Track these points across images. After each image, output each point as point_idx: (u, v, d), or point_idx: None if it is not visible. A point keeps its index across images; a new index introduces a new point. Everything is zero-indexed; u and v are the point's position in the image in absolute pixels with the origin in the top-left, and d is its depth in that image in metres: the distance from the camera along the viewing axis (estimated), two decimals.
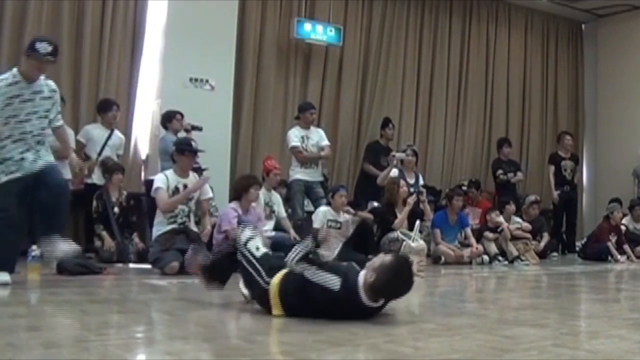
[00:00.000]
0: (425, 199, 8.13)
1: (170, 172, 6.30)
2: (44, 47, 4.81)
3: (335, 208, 7.47)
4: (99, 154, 7.34)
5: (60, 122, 5.15)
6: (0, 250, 4.75)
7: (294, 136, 8.04)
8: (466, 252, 8.06)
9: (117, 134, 7.60)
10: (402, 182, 7.78)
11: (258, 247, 3.86)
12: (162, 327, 3.30)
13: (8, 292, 4.51)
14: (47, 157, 4.96)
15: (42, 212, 4.87)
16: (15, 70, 4.92)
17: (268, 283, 3.63)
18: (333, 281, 3.41)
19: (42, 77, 4.97)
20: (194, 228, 6.25)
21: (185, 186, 6.18)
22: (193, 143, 6.43)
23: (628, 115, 11.49)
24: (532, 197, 9.66)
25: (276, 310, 3.58)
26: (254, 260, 3.77)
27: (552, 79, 12.11)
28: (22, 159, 4.83)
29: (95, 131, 7.44)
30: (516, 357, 2.79)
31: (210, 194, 6.52)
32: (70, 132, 7.29)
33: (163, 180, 6.14)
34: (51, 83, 5.06)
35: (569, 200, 10.43)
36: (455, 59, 10.95)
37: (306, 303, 3.50)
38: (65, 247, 4.84)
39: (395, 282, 3.43)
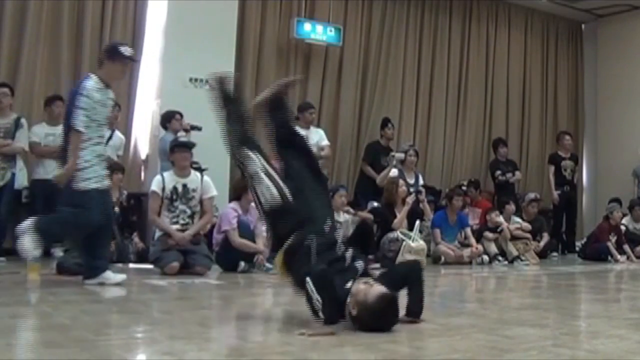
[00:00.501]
0: (425, 199, 8.13)
1: (168, 173, 6.30)
2: (127, 50, 5.07)
3: (335, 208, 7.45)
4: None
5: None
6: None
7: None
8: (466, 252, 8.06)
9: (118, 134, 7.60)
10: (401, 181, 7.78)
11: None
12: (162, 327, 3.29)
13: (9, 291, 4.51)
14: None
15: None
16: (95, 76, 4.99)
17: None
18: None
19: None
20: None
21: (184, 185, 6.17)
22: (181, 138, 6.43)
23: (628, 115, 11.49)
24: (531, 195, 9.67)
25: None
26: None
27: (552, 79, 12.11)
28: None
29: None
30: (516, 357, 2.79)
31: (214, 193, 6.50)
32: None
33: (158, 183, 6.16)
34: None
35: (568, 200, 10.44)
36: (455, 59, 10.95)
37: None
38: None
39: (378, 322, 3.21)
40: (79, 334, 3.01)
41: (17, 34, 7.45)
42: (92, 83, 4.93)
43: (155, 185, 6.14)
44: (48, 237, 5.09)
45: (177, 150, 6.27)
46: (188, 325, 3.44)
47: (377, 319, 3.19)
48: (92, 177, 4.92)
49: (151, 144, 8.27)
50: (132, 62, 5.18)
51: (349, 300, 3.25)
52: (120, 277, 4.98)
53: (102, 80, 4.98)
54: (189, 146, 6.42)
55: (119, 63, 5.03)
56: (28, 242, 4.78)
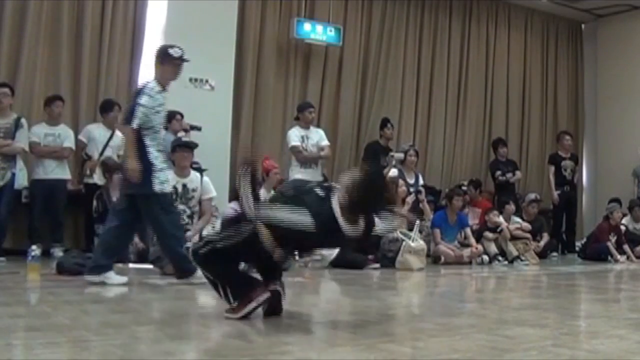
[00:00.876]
0: (425, 199, 8.13)
1: (168, 173, 6.30)
2: (176, 52, 5.14)
3: None
4: (101, 154, 7.36)
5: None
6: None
7: (294, 136, 8.04)
8: (466, 252, 8.06)
9: (119, 134, 7.60)
10: (400, 181, 7.78)
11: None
12: (162, 327, 3.29)
13: (8, 292, 4.51)
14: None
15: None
16: (153, 80, 5.15)
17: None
18: (304, 220, 3.27)
19: None
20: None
21: (184, 185, 6.18)
22: (183, 138, 6.44)
23: (628, 115, 11.49)
24: (531, 196, 9.68)
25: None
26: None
27: (552, 79, 12.11)
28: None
29: (97, 131, 7.46)
30: (516, 357, 2.79)
31: (213, 193, 6.50)
32: (70, 132, 7.33)
33: None
34: None
35: (568, 200, 10.44)
36: (455, 59, 10.95)
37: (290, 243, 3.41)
38: None
39: (368, 196, 3.30)
40: (79, 334, 3.01)
41: (17, 34, 7.45)
42: (153, 84, 5.10)
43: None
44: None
45: (178, 150, 6.29)
46: (188, 325, 3.44)
47: (367, 192, 3.27)
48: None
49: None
50: (182, 63, 5.20)
51: (335, 202, 3.31)
52: (122, 279, 4.99)
53: (159, 83, 5.11)
54: (191, 146, 6.42)
55: (169, 65, 5.12)
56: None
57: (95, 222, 6.94)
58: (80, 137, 7.42)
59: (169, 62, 5.13)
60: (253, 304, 3.46)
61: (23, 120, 6.84)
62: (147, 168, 4.93)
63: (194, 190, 6.23)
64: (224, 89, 8.48)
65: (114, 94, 7.86)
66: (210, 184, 6.50)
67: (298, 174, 7.99)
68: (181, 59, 5.17)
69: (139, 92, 5.11)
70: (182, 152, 6.27)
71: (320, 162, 8.32)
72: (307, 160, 8.01)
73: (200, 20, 8.25)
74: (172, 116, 7.59)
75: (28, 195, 7.09)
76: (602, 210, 10.12)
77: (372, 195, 3.34)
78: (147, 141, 4.98)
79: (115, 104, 7.52)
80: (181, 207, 6.14)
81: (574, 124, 12.23)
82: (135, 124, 4.91)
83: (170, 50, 5.15)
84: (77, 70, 7.81)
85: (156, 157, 5.02)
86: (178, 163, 6.26)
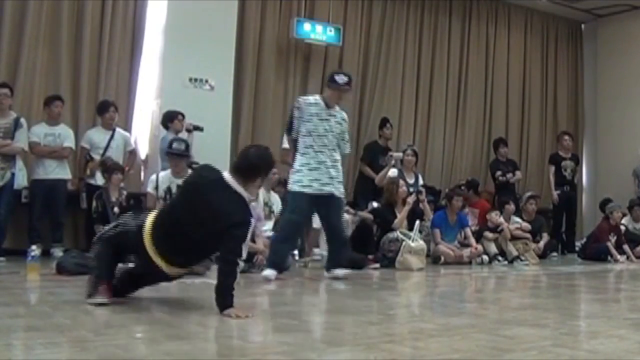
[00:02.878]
0: (425, 199, 8.12)
1: (164, 173, 6.35)
2: (341, 79, 5.89)
3: None
4: (102, 155, 7.38)
5: (347, 150, 6.24)
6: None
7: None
8: (466, 252, 8.05)
9: (120, 132, 7.61)
10: (401, 182, 7.78)
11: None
12: (162, 327, 3.29)
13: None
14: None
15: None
16: (317, 96, 6.08)
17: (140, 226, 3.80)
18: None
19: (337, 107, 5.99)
20: None
21: (178, 186, 6.18)
22: (175, 144, 6.45)
23: (628, 115, 11.50)
24: (528, 193, 9.69)
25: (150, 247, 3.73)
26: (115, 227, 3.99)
27: (552, 79, 12.12)
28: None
29: (96, 135, 7.47)
30: (516, 357, 2.79)
31: None
32: (70, 132, 7.33)
33: (152, 183, 6.30)
34: (344, 113, 6.08)
35: (568, 200, 10.44)
36: (455, 59, 10.95)
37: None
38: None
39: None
40: (79, 334, 3.01)
41: (16, 34, 7.45)
42: (309, 98, 6.05)
43: (149, 187, 6.32)
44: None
45: (170, 157, 6.42)
46: (188, 325, 3.44)
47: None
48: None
49: (151, 144, 8.27)
50: (347, 90, 6.05)
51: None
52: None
53: (323, 99, 5.94)
54: (181, 155, 6.44)
55: (332, 90, 5.92)
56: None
57: (95, 222, 6.94)
58: (82, 143, 7.46)
59: (334, 87, 5.94)
60: (96, 299, 3.75)
61: (22, 120, 6.84)
62: None
63: None
64: (224, 89, 8.48)
65: (113, 94, 7.87)
66: None
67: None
68: (346, 85, 5.96)
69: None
70: (173, 159, 6.38)
71: None
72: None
73: (200, 20, 8.25)
74: (174, 116, 7.62)
75: (28, 195, 7.09)
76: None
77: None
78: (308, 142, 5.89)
79: (110, 104, 7.53)
80: None
81: (574, 124, 12.24)
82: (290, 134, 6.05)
83: (336, 77, 5.94)
84: (77, 70, 7.82)
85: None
86: (172, 168, 6.36)
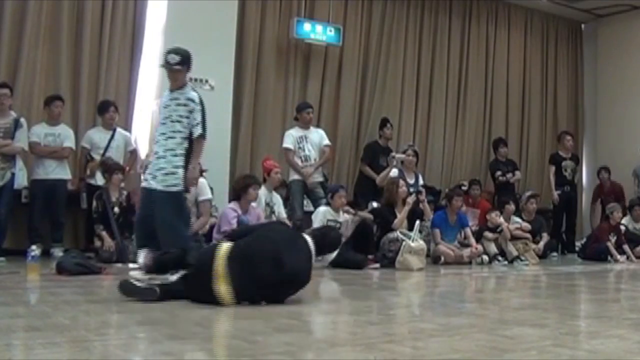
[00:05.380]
0: (425, 199, 8.12)
1: None
2: (172, 58, 5.43)
3: (334, 208, 7.47)
4: (102, 155, 7.38)
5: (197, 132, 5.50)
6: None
7: (290, 138, 8.06)
8: (466, 252, 8.05)
9: (120, 132, 7.61)
10: (401, 182, 7.78)
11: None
12: (162, 327, 3.29)
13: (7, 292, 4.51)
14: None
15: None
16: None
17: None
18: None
19: (188, 87, 5.54)
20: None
21: None
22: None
23: (628, 115, 11.50)
24: (528, 192, 9.69)
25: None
26: None
27: (552, 79, 12.12)
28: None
29: (96, 135, 7.47)
30: (516, 357, 2.79)
31: (209, 196, 6.51)
32: (70, 132, 7.33)
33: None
34: (192, 93, 5.54)
35: (569, 200, 10.44)
36: (455, 59, 10.95)
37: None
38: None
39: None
40: (79, 334, 3.01)
41: (16, 34, 7.45)
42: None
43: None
44: None
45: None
46: (188, 325, 3.44)
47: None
48: None
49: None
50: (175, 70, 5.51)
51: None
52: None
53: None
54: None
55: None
56: None
57: (95, 222, 6.94)
58: (83, 143, 7.46)
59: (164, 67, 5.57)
60: None
61: (22, 120, 6.84)
62: None
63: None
64: (224, 89, 8.48)
65: (113, 94, 7.87)
66: (206, 185, 6.50)
67: (298, 174, 7.99)
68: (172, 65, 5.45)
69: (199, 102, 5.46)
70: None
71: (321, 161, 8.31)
72: (292, 166, 8.03)
73: (200, 20, 8.24)
74: None
75: (28, 195, 7.09)
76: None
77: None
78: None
79: (111, 104, 7.54)
80: None
81: (574, 124, 12.24)
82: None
83: (167, 56, 5.50)
84: (77, 70, 7.82)
85: None
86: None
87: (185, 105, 5.39)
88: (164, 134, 5.40)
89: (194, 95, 5.48)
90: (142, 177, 5.61)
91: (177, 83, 5.48)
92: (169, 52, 5.54)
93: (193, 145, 5.45)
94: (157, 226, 5.30)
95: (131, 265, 6.59)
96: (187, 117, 5.40)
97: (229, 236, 4.39)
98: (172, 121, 5.38)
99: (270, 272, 3.87)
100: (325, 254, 3.98)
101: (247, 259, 3.88)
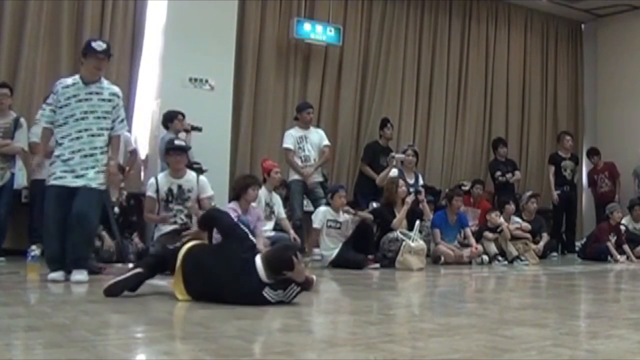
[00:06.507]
0: (425, 199, 8.13)
1: (163, 174, 6.32)
2: (98, 45, 5.17)
3: (334, 208, 7.47)
4: None
5: (123, 130, 5.39)
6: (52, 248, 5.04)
7: (290, 138, 8.06)
8: (466, 252, 8.05)
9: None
10: (401, 181, 7.78)
11: None
12: (162, 327, 3.29)
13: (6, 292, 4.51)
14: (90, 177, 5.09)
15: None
16: (77, 75, 5.26)
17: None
18: None
19: (105, 81, 5.29)
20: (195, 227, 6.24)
21: (179, 187, 6.18)
22: (176, 141, 6.42)
23: (628, 115, 11.49)
24: (528, 192, 9.70)
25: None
26: None
27: (552, 79, 12.12)
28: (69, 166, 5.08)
29: None
30: (516, 357, 2.79)
31: (210, 192, 6.50)
32: None
33: (152, 187, 6.21)
34: (114, 87, 5.34)
35: (568, 200, 10.44)
36: (454, 59, 10.95)
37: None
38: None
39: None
40: (79, 334, 3.01)
41: (16, 34, 7.46)
42: (64, 80, 5.31)
43: (150, 190, 6.23)
44: None
45: (172, 153, 6.25)
46: (188, 325, 3.43)
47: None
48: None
49: (151, 144, 8.27)
50: (103, 59, 5.26)
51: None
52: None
53: (81, 77, 5.20)
54: (184, 149, 6.40)
55: (90, 58, 5.19)
56: None
57: None
58: None
59: (90, 55, 5.18)
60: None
61: (22, 120, 6.84)
62: None
63: (189, 190, 6.22)
64: (224, 89, 8.48)
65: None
66: (207, 183, 6.50)
67: (298, 174, 7.99)
68: (100, 53, 5.19)
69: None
70: (175, 155, 6.24)
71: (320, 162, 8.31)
72: (292, 166, 8.03)
73: (200, 20, 8.25)
74: (174, 116, 7.61)
75: (28, 195, 7.09)
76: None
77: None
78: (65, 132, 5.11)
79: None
80: (177, 207, 6.14)
81: (574, 124, 12.24)
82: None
83: (93, 44, 5.20)
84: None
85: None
86: (172, 166, 6.24)
87: (110, 100, 5.21)
88: (87, 130, 5.09)
89: (117, 90, 5.35)
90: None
91: (99, 75, 5.26)
92: (94, 39, 5.34)
93: (112, 142, 5.28)
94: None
95: (131, 265, 6.60)
96: (111, 113, 5.21)
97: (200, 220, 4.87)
98: (98, 117, 5.13)
99: (223, 289, 4.01)
100: (278, 274, 3.99)
101: (204, 268, 4.11)
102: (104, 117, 5.16)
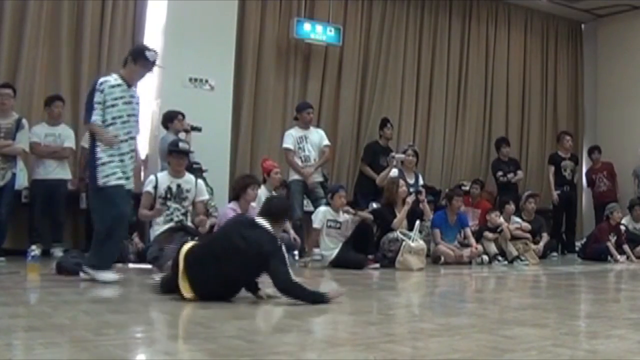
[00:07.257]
0: (425, 199, 8.13)
1: (163, 173, 6.34)
2: (152, 55, 5.22)
3: (334, 208, 7.47)
4: None
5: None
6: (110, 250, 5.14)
7: (290, 138, 8.06)
8: (466, 252, 8.05)
9: None
10: (401, 181, 7.78)
11: None
12: (162, 327, 3.30)
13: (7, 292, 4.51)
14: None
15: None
16: (115, 74, 5.25)
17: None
18: None
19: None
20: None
21: (178, 185, 6.20)
22: (181, 144, 6.43)
23: (628, 115, 11.49)
24: (527, 192, 9.70)
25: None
26: None
27: (552, 79, 12.11)
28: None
29: None
30: (516, 357, 2.79)
31: (206, 196, 6.52)
32: (70, 132, 7.33)
33: (151, 182, 6.22)
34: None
35: (568, 200, 10.44)
36: (454, 59, 10.95)
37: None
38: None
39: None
40: (79, 334, 3.01)
41: (16, 34, 7.45)
42: (106, 78, 5.23)
43: (148, 186, 6.23)
44: None
45: (175, 155, 6.28)
46: (188, 325, 3.44)
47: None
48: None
49: (151, 144, 8.27)
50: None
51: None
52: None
53: (123, 78, 5.23)
54: (186, 153, 6.43)
55: (139, 66, 5.25)
56: None
57: None
58: (83, 143, 7.43)
59: (142, 64, 5.24)
60: None
61: (24, 121, 6.84)
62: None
63: (187, 190, 6.25)
64: (224, 89, 8.48)
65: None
66: (204, 187, 6.52)
67: (298, 174, 7.99)
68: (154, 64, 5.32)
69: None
70: (177, 157, 6.28)
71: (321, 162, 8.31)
72: (293, 166, 8.02)
73: (200, 20, 8.25)
74: (174, 116, 7.60)
75: (28, 195, 7.09)
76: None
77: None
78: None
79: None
80: (175, 205, 6.16)
81: (574, 124, 12.23)
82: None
83: (148, 53, 5.23)
84: (77, 70, 7.82)
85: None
86: (173, 167, 6.28)
87: (138, 105, 5.36)
88: (129, 132, 5.23)
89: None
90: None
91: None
92: (148, 48, 5.35)
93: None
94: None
95: (131, 265, 6.61)
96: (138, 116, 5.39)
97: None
98: (136, 121, 5.31)
99: (233, 268, 4.05)
100: (280, 219, 4.31)
101: (209, 257, 4.10)
102: (137, 121, 5.32)
